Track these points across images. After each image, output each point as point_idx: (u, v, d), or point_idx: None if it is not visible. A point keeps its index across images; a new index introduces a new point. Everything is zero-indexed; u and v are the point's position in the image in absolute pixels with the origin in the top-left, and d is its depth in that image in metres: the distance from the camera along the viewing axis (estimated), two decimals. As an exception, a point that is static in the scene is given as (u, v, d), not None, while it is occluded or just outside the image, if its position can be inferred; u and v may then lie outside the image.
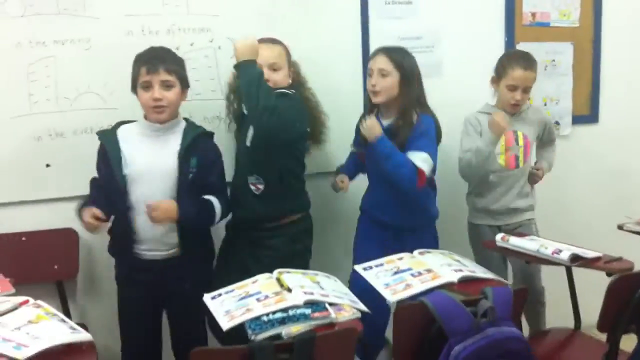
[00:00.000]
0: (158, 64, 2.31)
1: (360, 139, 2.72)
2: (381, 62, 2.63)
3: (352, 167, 2.88)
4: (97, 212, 2.28)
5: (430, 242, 2.70)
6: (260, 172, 2.50)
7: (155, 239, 2.39)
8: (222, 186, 2.51)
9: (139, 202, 2.33)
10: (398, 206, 2.69)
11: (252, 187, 2.51)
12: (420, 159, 2.55)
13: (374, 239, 2.75)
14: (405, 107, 2.63)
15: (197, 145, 2.42)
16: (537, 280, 2.91)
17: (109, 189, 2.37)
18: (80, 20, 2.62)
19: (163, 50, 2.41)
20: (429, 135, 2.62)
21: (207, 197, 2.44)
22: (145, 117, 2.40)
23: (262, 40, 2.45)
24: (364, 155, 2.78)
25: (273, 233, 2.54)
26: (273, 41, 2.54)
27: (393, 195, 2.66)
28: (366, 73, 2.74)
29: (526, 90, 2.82)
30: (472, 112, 2.92)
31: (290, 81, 2.57)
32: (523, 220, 2.94)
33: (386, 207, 2.72)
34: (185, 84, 2.41)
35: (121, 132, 2.42)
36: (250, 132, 2.44)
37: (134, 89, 2.38)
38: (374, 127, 2.58)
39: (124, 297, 2.50)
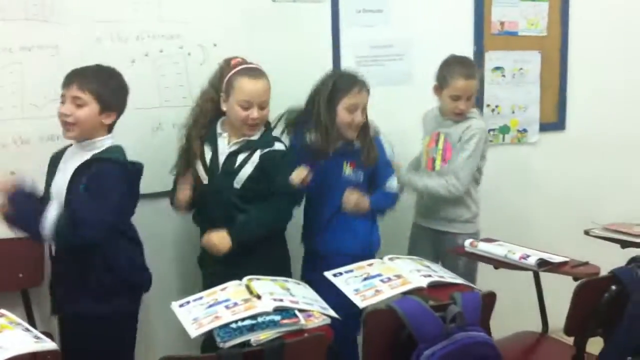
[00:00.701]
0: (73, 79, 2.22)
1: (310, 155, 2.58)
2: (366, 98, 2.61)
3: None
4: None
5: None
6: (249, 206, 2.49)
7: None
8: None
9: None
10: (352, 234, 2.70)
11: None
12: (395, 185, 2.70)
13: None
14: (368, 130, 2.65)
15: (88, 168, 2.23)
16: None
17: None
18: (48, 27, 2.59)
19: (90, 68, 2.28)
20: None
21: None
22: None
23: (250, 74, 2.44)
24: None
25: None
26: (260, 74, 2.48)
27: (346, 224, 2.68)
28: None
29: (469, 98, 2.78)
30: (433, 107, 2.92)
31: None
32: (454, 233, 2.83)
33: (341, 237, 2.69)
34: (106, 106, 2.24)
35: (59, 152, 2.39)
36: (242, 177, 2.46)
37: None
38: (362, 203, 2.62)
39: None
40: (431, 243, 2.90)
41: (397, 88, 2.76)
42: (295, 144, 2.66)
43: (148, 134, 2.73)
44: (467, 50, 3.23)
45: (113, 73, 2.32)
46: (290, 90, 2.86)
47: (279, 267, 2.41)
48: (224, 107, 2.48)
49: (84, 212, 2.15)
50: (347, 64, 3.03)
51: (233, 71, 2.46)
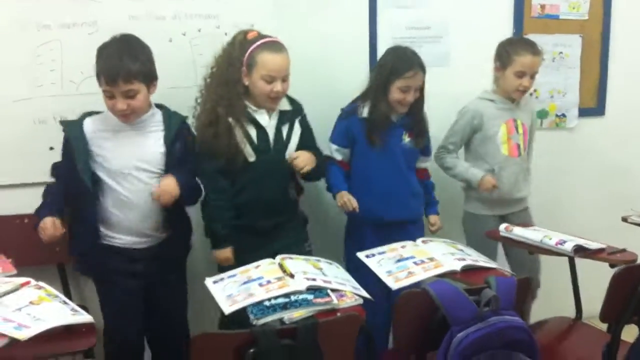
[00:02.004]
0: (117, 75, 2.21)
1: (367, 138, 2.71)
2: (420, 79, 2.67)
3: (344, 181, 2.77)
4: (56, 220, 2.26)
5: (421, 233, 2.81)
6: (294, 180, 2.63)
7: (139, 231, 2.40)
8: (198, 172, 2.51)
9: (127, 194, 2.35)
10: (408, 198, 2.80)
11: (290, 194, 2.63)
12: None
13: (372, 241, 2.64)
14: (421, 109, 2.76)
15: (180, 132, 2.43)
16: (534, 273, 2.91)
17: (73, 185, 2.33)
18: (85, 4, 2.62)
19: (123, 49, 2.27)
20: None
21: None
22: None
23: (272, 48, 2.45)
24: (346, 164, 2.78)
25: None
26: (281, 47, 2.48)
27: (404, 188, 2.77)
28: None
29: (533, 76, 2.82)
30: (471, 100, 2.91)
31: None
32: (522, 209, 2.96)
33: (398, 205, 2.76)
34: (151, 80, 2.32)
35: (89, 126, 2.37)
36: (292, 147, 2.56)
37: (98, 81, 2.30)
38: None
39: (107, 288, 2.47)
40: None
41: (433, 70, 2.72)
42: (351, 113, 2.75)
43: (184, 113, 2.73)
44: (506, 33, 3.17)
45: (138, 44, 2.33)
46: (325, 72, 2.88)
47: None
48: (246, 82, 2.48)
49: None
50: (384, 45, 3.00)
51: (254, 45, 2.45)
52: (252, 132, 2.51)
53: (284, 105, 2.57)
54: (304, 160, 2.54)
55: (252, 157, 2.50)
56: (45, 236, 2.26)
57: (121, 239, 2.40)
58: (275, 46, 2.47)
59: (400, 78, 2.63)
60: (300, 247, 2.61)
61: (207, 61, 2.69)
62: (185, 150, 2.44)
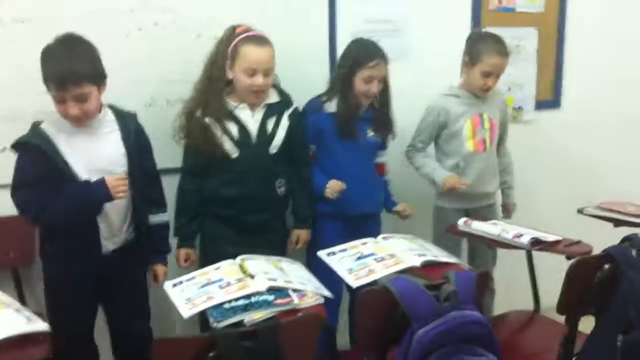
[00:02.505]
0: (66, 79, 2.12)
1: (339, 132, 2.72)
2: (383, 70, 2.68)
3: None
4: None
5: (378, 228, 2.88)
6: (283, 176, 2.62)
7: (114, 232, 2.36)
8: (156, 170, 2.50)
9: None
10: (371, 189, 2.85)
11: (278, 190, 2.61)
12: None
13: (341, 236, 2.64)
14: (386, 101, 2.79)
15: (138, 129, 2.40)
16: (490, 267, 2.96)
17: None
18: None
19: (69, 55, 2.16)
20: None
21: (159, 220, 2.50)
22: None
23: (254, 41, 2.45)
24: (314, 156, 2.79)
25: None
26: (265, 41, 2.49)
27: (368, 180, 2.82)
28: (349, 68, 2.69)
29: (499, 76, 2.85)
30: (437, 96, 2.92)
31: None
32: (488, 205, 3.00)
33: (365, 198, 2.79)
34: (101, 80, 2.24)
35: (50, 131, 2.25)
36: (277, 142, 2.56)
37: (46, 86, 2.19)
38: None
39: (62, 289, 2.38)
40: None
41: (393, 64, 2.72)
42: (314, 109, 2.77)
43: (140, 109, 2.67)
44: (465, 26, 3.20)
45: (83, 44, 2.23)
46: (283, 63, 2.83)
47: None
48: (229, 75, 2.49)
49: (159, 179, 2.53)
50: (343, 38, 2.99)
51: (238, 38, 2.46)
52: (233, 128, 2.50)
53: (272, 97, 2.58)
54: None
55: (234, 153, 2.51)
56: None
57: (84, 243, 2.32)
58: (259, 40, 2.47)
59: (363, 68, 2.64)
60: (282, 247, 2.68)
61: (163, 56, 2.67)
62: (142, 148, 2.40)
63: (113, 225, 2.34)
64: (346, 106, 2.70)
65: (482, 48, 2.82)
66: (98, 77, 2.22)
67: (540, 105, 3.46)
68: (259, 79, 2.45)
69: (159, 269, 2.49)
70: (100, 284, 2.39)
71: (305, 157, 2.71)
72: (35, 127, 2.28)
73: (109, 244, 2.35)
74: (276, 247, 2.58)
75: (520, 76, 3.39)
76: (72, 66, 2.13)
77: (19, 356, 1.67)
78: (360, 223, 2.75)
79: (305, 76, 2.92)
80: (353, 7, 3.03)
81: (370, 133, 2.79)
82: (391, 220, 2.97)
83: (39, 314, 1.90)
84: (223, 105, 2.50)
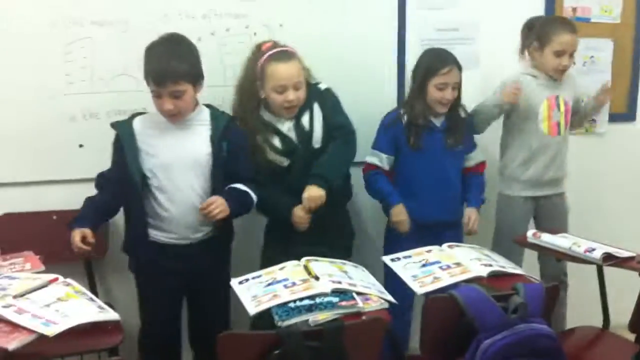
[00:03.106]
0: (164, 76, 2.24)
1: (408, 142, 2.71)
2: (456, 76, 2.67)
3: (395, 191, 2.75)
4: (87, 233, 2.27)
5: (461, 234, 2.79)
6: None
7: (188, 226, 2.40)
8: (250, 172, 2.49)
9: (173, 191, 2.36)
10: (452, 201, 2.80)
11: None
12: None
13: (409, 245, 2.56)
14: (457, 109, 2.75)
15: (227, 131, 2.43)
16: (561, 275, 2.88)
17: (125, 182, 2.35)
18: (118, 2, 2.64)
19: (170, 50, 2.29)
20: None
21: (243, 188, 2.44)
22: None
23: (279, 58, 2.45)
24: (391, 174, 2.77)
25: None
26: (289, 56, 2.48)
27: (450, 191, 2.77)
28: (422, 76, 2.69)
29: (572, 54, 2.79)
30: (514, 73, 2.88)
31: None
32: (557, 194, 2.93)
33: (440, 207, 2.74)
34: (198, 80, 2.35)
35: (138, 125, 2.39)
36: (317, 135, 2.53)
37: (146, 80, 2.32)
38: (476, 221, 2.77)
39: (147, 284, 2.48)
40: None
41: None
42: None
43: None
44: (536, 36, 3.13)
45: (185, 43, 2.36)
46: (353, 73, 2.86)
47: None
48: (262, 95, 2.50)
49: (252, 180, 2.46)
50: (412, 47, 2.99)
51: (263, 58, 2.47)
52: (275, 139, 2.53)
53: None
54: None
55: (285, 162, 2.53)
56: (75, 248, 2.27)
57: (166, 235, 2.40)
58: (283, 55, 2.47)
59: (436, 75, 2.64)
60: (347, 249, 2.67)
61: (235, 61, 2.71)
62: (231, 150, 2.43)
63: (177, 216, 2.38)
64: (415, 115, 2.69)
65: (550, 28, 2.78)
66: (195, 77, 2.33)
67: (614, 117, 3.36)
68: (290, 95, 2.45)
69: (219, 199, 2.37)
70: (186, 277, 2.45)
71: (340, 134, 2.58)
72: (130, 118, 2.43)
73: (181, 240, 2.41)
74: (339, 250, 2.47)
75: (594, 88, 3.29)
76: (171, 64, 2.25)
77: (93, 343, 1.73)
78: (438, 232, 2.64)
79: (374, 84, 2.93)
80: (422, 15, 3.02)
81: (450, 141, 2.74)
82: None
83: (109, 305, 1.96)
84: (259, 120, 2.52)
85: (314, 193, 2.46)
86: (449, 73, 2.64)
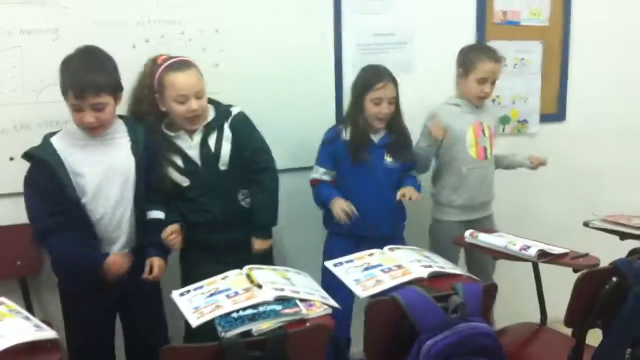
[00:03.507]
0: (85, 91, 2.19)
1: (352, 157, 2.74)
2: (392, 91, 2.71)
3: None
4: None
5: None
6: (245, 187, 2.57)
7: (116, 240, 2.38)
8: (162, 180, 2.48)
9: (104, 206, 2.33)
10: (390, 216, 2.81)
11: (243, 203, 2.58)
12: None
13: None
14: (399, 123, 2.79)
15: (146, 141, 2.41)
16: (489, 277, 2.96)
17: (67, 207, 2.28)
18: (48, 10, 2.56)
19: (90, 62, 2.26)
20: None
21: (155, 215, 2.45)
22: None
23: (178, 68, 2.41)
24: (334, 182, 2.80)
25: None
26: (188, 65, 2.44)
27: (387, 206, 2.77)
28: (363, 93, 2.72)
29: (494, 82, 2.89)
30: (438, 104, 2.94)
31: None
32: (486, 216, 3.01)
33: (379, 219, 2.76)
34: (117, 91, 2.31)
35: (59, 145, 2.30)
36: (224, 157, 2.49)
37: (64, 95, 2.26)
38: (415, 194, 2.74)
39: (74, 302, 2.41)
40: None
41: (399, 75, 2.75)
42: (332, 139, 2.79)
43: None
44: (469, 39, 3.21)
45: (103, 56, 2.31)
46: (290, 77, 2.86)
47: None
48: (162, 108, 2.46)
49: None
50: (349, 51, 3.02)
51: (160, 69, 2.43)
52: (176, 158, 2.49)
53: (209, 115, 2.51)
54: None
55: (185, 182, 2.50)
56: (115, 271, 2.31)
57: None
58: (182, 65, 2.43)
59: (371, 90, 2.69)
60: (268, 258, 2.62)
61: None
62: (149, 159, 2.41)
63: (106, 233, 2.36)
64: (357, 131, 2.73)
65: (474, 56, 2.87)
66: (115, 88, 2.29)
67: (545, 118, 3.47)
68: (192, 104, 2.40)
69: (154, 260, 2.41)
70: (115, 294, 2.40)
71: (261, 161, 2.57)
72: (46, 140, 2.33)
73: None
74: (263, 259, 2.47)
75: (524, 89, 3.41)
76: (91, 76, 2.21)
77: (29, 364, 1.68)
78: (377, 245, 2.56)
79: (311, 91, 2.94)
80: (358, 20, 3.05)
81: (388, 159, 2.79)
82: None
83: (46, 323, 1.90)
84: (161, 138, 2.47)
85: (261, 247, 2.57)
86: (384, 87, 2.69)
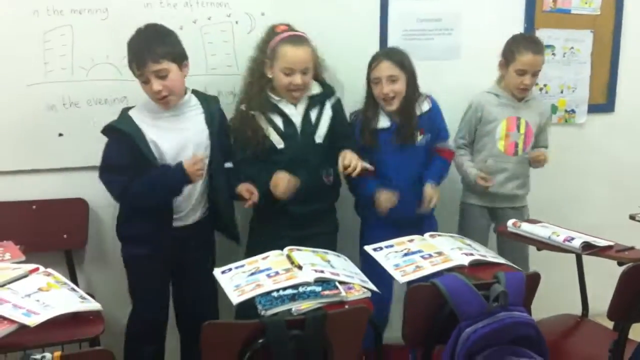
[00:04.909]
0: (145, 57, 2.27)
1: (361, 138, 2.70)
2: (388, 69, 2.63)
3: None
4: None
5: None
6: (330, 166, 2.60)
7: (193, 207, 2.47)
8: (230, 149, 2.58)
9: None
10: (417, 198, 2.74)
11: (325, 180, 2.61)
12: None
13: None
14: (407, 105, 2.68)
15: (219, 112, 2.52)
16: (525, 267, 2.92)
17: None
18: (98, -10, 2.61)
19: (149, 36, 2.33)
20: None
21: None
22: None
23: (293, 41, 2.48)
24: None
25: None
26: (302, 41, 2.51)
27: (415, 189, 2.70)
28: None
29: (535, 74, 2.83)
30: (479, 92, 2.91)
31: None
32: (516, 206, 2.96)
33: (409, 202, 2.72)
34: (181, 60, 2.37)
35: (137, 118, 2.38)
36: (322, 131, 2.57)
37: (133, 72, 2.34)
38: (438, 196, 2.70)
39: (139, 269, 2.49)
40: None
41: (444, 62, 2.73)
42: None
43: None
44: (517, 27, 3.16)
45: (163, 28, 2.40)
46: (336, 63, 2.85)
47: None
48: (269, 74, 2.53)
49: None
50: (394, 37, 3.00)
51: (276, 38, 2.50)
52: (278, 120, 2.55)
53: (314, 89, 2.61)
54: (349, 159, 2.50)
55: (280, 144, 2.54)
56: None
57: (165, 221, 2.42)
58: (297, 40, 2.50)
59: (371, 71, 2.67)
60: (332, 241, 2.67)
61: (217, 49, 2.70)
62: (222, 130, 2.52)
63: (189, 203, 2.44)
64: (366, 113, 2.70)
65: (515, 47, 2.82)
66: (176, 55, 2.36)
67: (593, 108, 3.39)
68: (297, 78, 2.47)
69: (243, 186, 2.47)
70: (172, 261, 2.49)
71: (351, 147, 2.61)
72: (124, 113, 2.42)
73: (181, 222, 2.45)
74: (325, 241, 2.49)
75: (573, 79, 3.33)
76: (149, 45, 2.29)
77: (74, 333, 1.72)
78: (413, 226, 2.62)
79: (357, 74, 2.93)
80: (404, 5, 3.02)
81: (419, 137, 2.72)
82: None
83: (90, 295, 1.95)
84: (266, 99, 2.54)
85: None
86: (378, 66, 2.64)
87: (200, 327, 1.61)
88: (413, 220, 2.66)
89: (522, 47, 2.80)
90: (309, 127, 2.56)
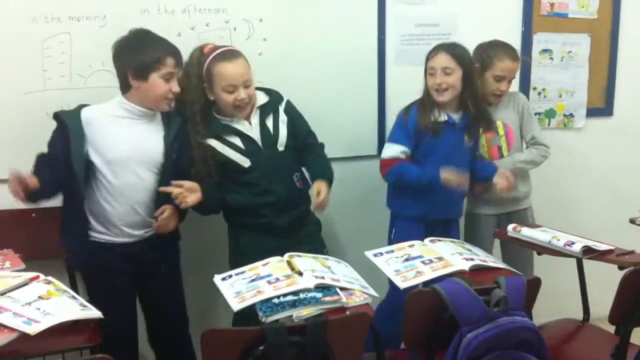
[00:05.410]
0: (181, 60, 2.36)
1: (422, 129, 2.67)
2: (444, 61, 2.64)
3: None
4: (34, 181, 2.18)
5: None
6: (298, 169, 2.59)
7: (134, 222, 2.39)
8: (190, 170, 2.47)
9: (120, 187, 2.34)
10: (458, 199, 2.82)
11: (298, 184, 2.58)
12: None
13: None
14: (473, 101, 2.71)
15: (179, 133, 2.44)
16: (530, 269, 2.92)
17: (65, 174, 2.30)
18: (96, -3, 2.61)
19: (159, 38, 2.38)
20: None
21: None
22: (126, 100, 2.36)
23: (226, 57, 2.42)
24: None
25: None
26: (236, 55, 2.45)
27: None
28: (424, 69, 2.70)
29: (510, 80, 2.85)
30: None
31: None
32: (520, 210, 2.95)
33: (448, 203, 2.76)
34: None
35: (89, 115, 2.34)
36: (282, 138, 2.52)
37: (144, 72, 2.30)
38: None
39: (96, 283, 2.44)
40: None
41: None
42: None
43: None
44: (515, 31, 3.17)
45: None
46: (334, 68, 2.86)
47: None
48: (211, 97, 2.47)
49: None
50: (392, 42, 3.01)
51: (209, 59, 2.43)
52: (236, 140, 2.49)
53: (261, 99, 2.54)
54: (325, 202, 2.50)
55: (246, 163, 2.49)
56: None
57: (110, 234, 2.39)
58: (230, 54, 2.44)
59: (428, 62, 2.68)
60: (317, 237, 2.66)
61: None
62: (181, 152, 2.44)
63: (121, 215, 2.38)
64: (422, 107, 2.70)
65: (494, 53, 2.82)
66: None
67: (592, 112, 3.40)
68: (241, 93, 2.41)
69: (168, 207, 2.40)
70: (136, 273, 2.45)
71: (312, 144, 2.64)
72: (79, 107, 2.38)
73: (137, 234, 2.41)
74: (313, 239, 2.57)
75: (571, 83, 3.34)
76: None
77: (75, 341, 1.72)
78: (445, 226, 2.73)
79: (354, 78, 2.93)
80: (402, 10, 3.03)
81: (466, 139, 2.74)
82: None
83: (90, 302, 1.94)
84: (217, 124, 2.49)
85: (324, 190, 2.51)
86: (435, 56, 2.65)
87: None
88: (446, 221, 2.74)
89: (502, 53, 2.81)
90: (269, 137, 2.51)
